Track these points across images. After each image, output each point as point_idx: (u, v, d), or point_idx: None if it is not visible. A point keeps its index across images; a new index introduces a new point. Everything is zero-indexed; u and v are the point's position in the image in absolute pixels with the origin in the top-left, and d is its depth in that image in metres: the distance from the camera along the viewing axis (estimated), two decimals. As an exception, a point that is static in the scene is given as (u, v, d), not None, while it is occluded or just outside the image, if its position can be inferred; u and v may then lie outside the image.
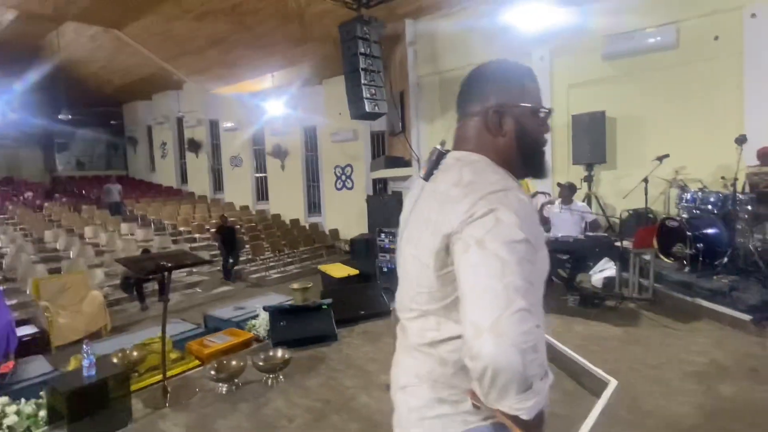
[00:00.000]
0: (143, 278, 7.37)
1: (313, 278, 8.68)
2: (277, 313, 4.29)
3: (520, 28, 6.74)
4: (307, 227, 13.23)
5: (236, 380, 3.35)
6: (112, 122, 19.38)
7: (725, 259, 4.75)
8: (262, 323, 4.55)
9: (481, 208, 0.83)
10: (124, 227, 11.34)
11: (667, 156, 5.65)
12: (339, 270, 8.30)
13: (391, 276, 8.60)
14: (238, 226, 11.84)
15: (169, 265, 2.98)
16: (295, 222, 13.41)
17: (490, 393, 0.78)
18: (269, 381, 3.39)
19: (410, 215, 1.03)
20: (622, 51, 6.43)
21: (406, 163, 8.97)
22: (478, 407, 0.89)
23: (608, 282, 5.24)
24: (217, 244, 10.28)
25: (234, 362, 3.44)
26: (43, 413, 2.82)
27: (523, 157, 1.00)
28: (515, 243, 0.81)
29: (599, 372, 3.17)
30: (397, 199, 10.03)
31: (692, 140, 5.91)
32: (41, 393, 2.93)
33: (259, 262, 10.94)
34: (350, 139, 12.03)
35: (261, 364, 3.41)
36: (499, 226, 0.81)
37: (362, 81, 6.91)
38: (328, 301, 4.54)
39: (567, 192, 5.50)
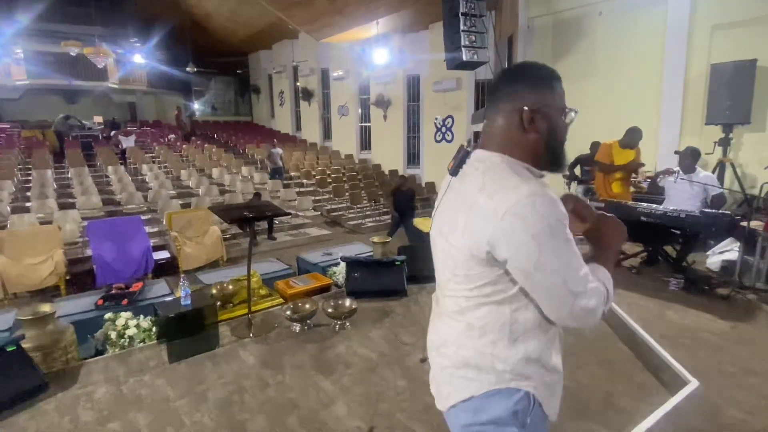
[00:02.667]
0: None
1: (403, 230, 8.90)
2: (353, 265, 4.53)
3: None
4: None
5: (308, 321, 3.68)
6: (238, 71, 21.15)
7: None
8: (341, 272, 4.86)
9: (506, 229, 0.94)
10: (245, 170, 12.64)
11: None
12: (427, 224, 8.30)
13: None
14: (341, 174, 12.43)
15: (250, 215, 3.30)
16: (394, 173, 13.63)
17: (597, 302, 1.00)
18: (336, 326, 3.66)
19: (439, 207, 1.16)
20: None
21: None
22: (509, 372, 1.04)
23: (727, 266, 4.51)
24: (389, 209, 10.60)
25: (308, 305, 3.76)
26: (155, 329, 3.44)
27: (550, 153, 1.07)
28: (547, 250, 0.94)
29: (680, 369, 2.83)
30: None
31: None
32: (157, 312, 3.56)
33: (357, 209, 11.47)
34: (453, 89, 11.57)
35: (330, 310, 3.69)
36: (526, 241, 0.93)
37: (461, 27, 6.48)
38: (402, 257, 4.64)
39: (688, 159, 4.71)
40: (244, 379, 2.93)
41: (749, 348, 3.16)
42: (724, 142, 5.62)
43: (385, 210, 11.65)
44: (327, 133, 17.14)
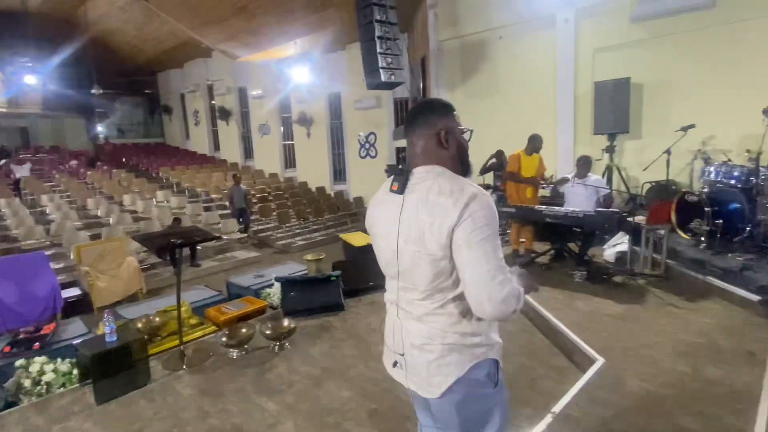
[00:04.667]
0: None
1: (335, 245, 8.96)
2: (287, 284, 4.54)
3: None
4: (333, 195, 13.48)
5: (246, 346, 3.63)
6: (147, 91, 19.98)
7: (743, 237, 4.58)
8: (275, 292, 4.83)
9: (466, 212, 1.17)
10: (160, 195, 11.95)
11: (692, 126, 5.38)
12: (359, 238, 8.47)
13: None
14: (267, 193, 12.23)
15: (178, 242, 3.22)
16: (321, 190, 13.69)
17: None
18: (275, 348, 3.66)
19: (400, 223, 1.29)
20: (652, 12, 6.03)
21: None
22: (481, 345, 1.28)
23: (620, 257, 5.18)
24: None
25: (244, 330, 3.71)
26: (76, 372, 3.20)
27: (462, 163, 1.36)
28: (490, 236, 1.18)
29: (589, 350, 3.23)
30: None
31: (722, 109, 5.59)
32: (76, 353, 3.31)
33: (286, 229, 11.34)
34: (373, 107, 11.97)
35: (268, 332, 3.68)
36: (478, 228, 1.17)
37: (378, 50, 6.81)
38: (337, 272, 4.74)
39: (581, 166, 5.38)
40: (182, 412, 2.84)
41: (642, 325, 3.68)
42: (610, 149, 6.48)
43: (315, 227, 11.64)
44: (248, 153, 16.76)
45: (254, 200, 12.36)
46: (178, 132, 19.84)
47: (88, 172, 13.75)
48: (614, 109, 6.30)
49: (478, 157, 7.28)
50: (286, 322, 3.81)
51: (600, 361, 3.06)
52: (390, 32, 6.95)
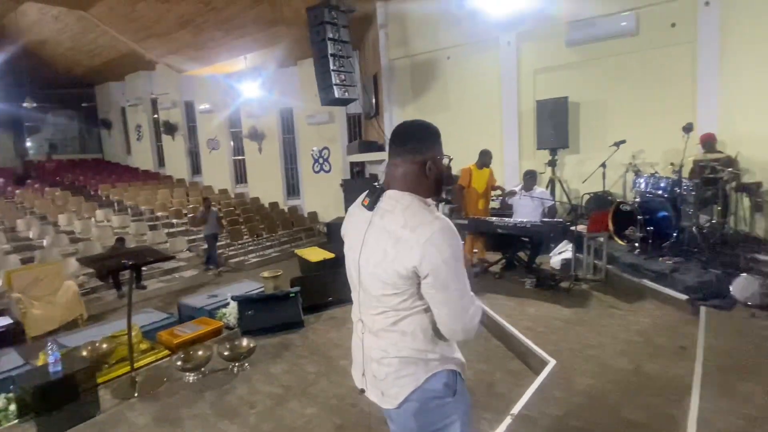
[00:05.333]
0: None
1: (291, 262, 8.84)
2: (245, 303, 4.45)
3: (487, 12, 6.80)
4: (286, 210, 13.31)
5: (203, 369, 3.52)
6: (83, 104, 18.89)
7: (671, 242, 5.03)
8: (231, 312, 4.71)
9: (427, 254, 1.21)
10: (100, 214, 11.27)
11: (623, 142, 5.87)
12: (315, 254, 8.42)
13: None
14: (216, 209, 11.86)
15: (129, 263, 3.09)
16: (274, 205, 13.47)
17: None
18: (234, 369, 3.57)
19: (363, 242, 1.34)
20: (584, 37, 6.56)
21: (380, 148, 9.05)
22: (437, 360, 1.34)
23: (565, 264, 5.50)
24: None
25: (200, 352, 3.60)
26: (13, 407, 2.96)
27: (437, 189, 1.40)
28: (453, 272, 1.24)
29: (541, 352, 3.42)
30: (373, 182, 10.16)
31: (648, 126, 6.14)
32: (12, 387, 3.07)
33: (238, 246, 11.04)
34: (326, 122, 12.03)
35: (226, 353, 3.58)
36: (436, 267, 1.22)
37: (331, 67, 6.91)
38: (296, 289, 4.70)
39: (527, 179, 5.71)
40: (137, 442, 2.71)
41: (587, 327, 3.94)
42: (552, 163, 6.92)
43: (269, 244, 11.41)
44: (196, 168, 16.20)
45: (188, 215, 11.95)
46: (118, 147, 18.83)
47: (17, 191, 12.74)
48: (554, 125, 6.76)
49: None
50: (245, 342, 3.73)
51: (552, 362, 3.24)
52: (343, 50, 7.08)
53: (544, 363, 3.30)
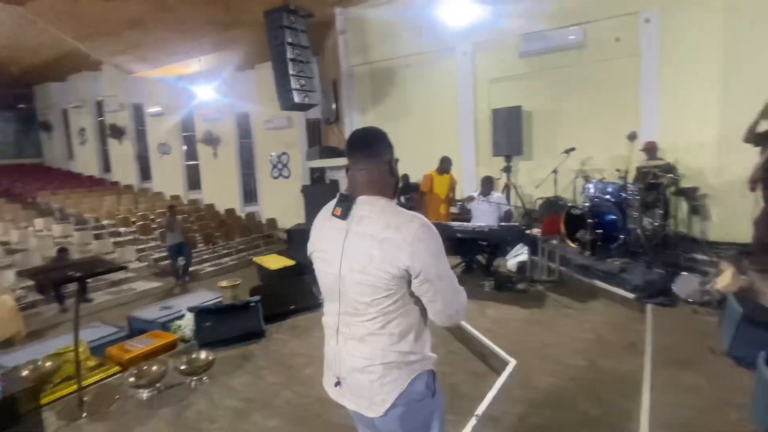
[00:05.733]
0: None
1: (249, 270, 8.61)
2: (202, 314, 4.27)
3: (445, 22, 6.96)
4: (243, 217, 12.97)
5: (158, 385, 3.35)
6: (20, 105, 17.63)
7: (618, 244, 5.32)
8: (187, 324, 4.51)
9: (416, 251, 1.25)
10: (39, 223, 10.54)
11: (573, 149, 6.16)
12: (275, 261, 8.26)
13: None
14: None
15: (78, 275, 2.90)
16: (230, 212, 13.09)
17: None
18: (192, 383, 3.42)
19: (343, 252, 1.33)
20: (536, 49, 6.86)
21: (340, 153, 9.02)
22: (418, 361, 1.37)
23: (522, 266, 5.69)
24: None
25: (155, 367, 3.42)
26: (-59, 436, 2.69)
27: (397, 187, 1.46)
28: (441, 263, 1.30)
29: (501, 353, 3.51)
30: (335, 189, 10.10)
31: (596, 134, 6.49)
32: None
33: (193, 255, 10.63)
34: (285, 127, 11.85)
35: (183, 367, 3.43)
36: (426, 262, 1.26)
37: (290, 72, 6.83)
38: (256, 298, 4.58)
39: (485, 185, 5.87)
40: (86, 466, 2.54)
41: (544, 327, 4.09)
42: (507, 169, 7.17)
43: (225, 252, 11.06)
44: (145, 174, 15.48)
45: (153, 225, 11.44)
46: (59, 151, 17.70)
47: (-58, 199, 11.67)
48: (509, 133, 7.01)
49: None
50: (203, 355, 3.59)
51: (512, 362, 3.34)
52: (302, 55, 7.02)
53: (505, 363, 3.39)
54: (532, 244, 5.39)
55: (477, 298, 4.91)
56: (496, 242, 5.41)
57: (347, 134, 8.74)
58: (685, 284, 4.23)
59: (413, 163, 7.83)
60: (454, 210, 6.59)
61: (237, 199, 13.43)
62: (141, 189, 15.01)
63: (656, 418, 2.41)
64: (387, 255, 1.26)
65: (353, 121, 8.76)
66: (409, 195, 7.84)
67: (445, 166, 5.79)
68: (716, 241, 5.52)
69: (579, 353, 3.49)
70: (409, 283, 1.30)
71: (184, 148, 14.36)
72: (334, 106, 8.98)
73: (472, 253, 5.80)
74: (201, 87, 11.88)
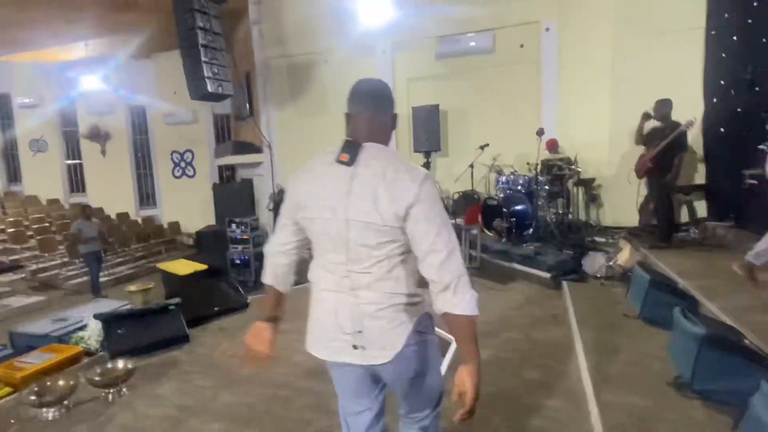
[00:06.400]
0: None
1: (151, 278, 7.80)
2: (112, 321, 3.78)
3: (365, 20, 7.02)
4: (140, 222, 11.73)
5: (66, 402, 2.87)
6: None
7: (531, 230, 5.80)
8: (92, 334, 3.95)
9: (422, 192, 1.26)
10: None
11: (487, 145, 6.58)
12: (183, 266, 7.61)
13: (245, 268, 8.26)
14: (48, 223, 9.87)
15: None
16: (123, 216, 11.76)
17: (461, 305, 1.25)
18: (110, 396, 2.99)
19: (350, 195, 1.30)
20: (451, 52, 7.25)
21: (257, 149, 8.62)
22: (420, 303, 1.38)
23: (447, 256, 5.92)
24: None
25: (61, 382, 2.93)
26: None
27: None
28: (442, 210, 1.32)
29: (444, 334, 3.59)
30: (248, 187, 9.60)
31: (506, 132, 7.02)
32: None
33: (80, 264, 9.33)
34: (189, 122, 11.00)
35: (97, 379, 2.98)
36: (430, 205, 1.27)
37: (203, 58, 6.35)
38: (176, 300, 4.17)
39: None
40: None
41: (476, 308, 4.28)
42: (427, 165, 7.43)
43: (120, 260, 9.88)
44: (14, 175, 13.28)
45: (28, 233, 9.86)
46: None
47: None
48: (428, 130, 7.29)
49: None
50: (120, 364, 3.16)
51: (454, 341, 3.45)
52: (215, 42, 6.56)
53: (448, 342, 3.48)
54: (457, 234, 5.63)
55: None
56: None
57: (265, 129, 8.39)
58: (592, 262, 4.74)
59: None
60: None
61: (131, 201, 12.11)
62: (9, 192, 12.82)
63: (594, 374, 2.65)
64: (393, 195, 1.26)
65: (270, 116, 8.43)
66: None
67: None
68: (609, 225, 6.28)
69: (513, 327, 3.72)
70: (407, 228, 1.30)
71: (64, 145, 12.58)
72: (246, 99, 8.54)
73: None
74: (86, 76, 10.52)
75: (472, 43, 7.18)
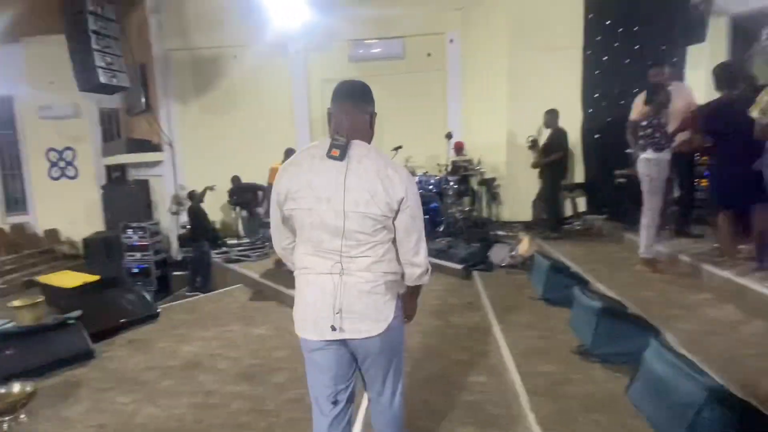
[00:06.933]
0: None
1: (28, 294, 6.79)
2: (-3, 341, 3.28)
3: (277, 18, 6.89)
4: (8, 230, 10.09)
5: (-56, 439, 2.45)
6: None
7: (442, 227, 6.23)
8: (-32, 359, 3.38)
9: (409, 188, 1.48)
10: None
11: (400, 147, 6.86)
12: (70, 278, 6.81)
13: (146, 278, 7.56)
14: None
15: None
16: (-15, 224, 10.02)
17: (424, 277, 1.61)
18: (4, 425, 2.61)
19: (346, 187, 1.43)
20: (363, 56, 7.47)
21: (155, 147, 7.96)
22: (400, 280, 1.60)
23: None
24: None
25: (-64, 417, 2.49)
26: None
27: (371, 140, 1.63)
28: (420, 208, 1.54)
29: (373, 327, 3.74)
30: (144, 189, 8.80)
31: (417, 135, 7.40)
32: None
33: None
34: (69, 116, 9.70)
35: (-12, 406, 2.59)
36: (415, 201, 1.50)
37: (94, 46, 5.71)
38: (76, 314, 3.76)
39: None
40: None
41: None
42: (343, 166, 7.54)
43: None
44: None
45: None
46: None
47: None
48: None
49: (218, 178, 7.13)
50: (16, 388, 2.76)
51: (384, 333, 3.60)
52: (108, 29, 5.93)
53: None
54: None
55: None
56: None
57: (165, 127, 7.80)
58: (497, 253, 5.25)
59: (246, 161, 7.52)
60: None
61: (-6, 207, 10.37)
62: None
63: (512, 348, 2.98)
64: (388, 190, 1.45)
65: (172, 112, 7.86)
66: (239, 198, 7.49)
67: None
68: (508, 220, 6.97)
69: (434, 315, 3.98)
70: (395, 218, 1.49)
71: None
72: (143, 93, 7.85)
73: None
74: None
75: (381, 49, 7.46)
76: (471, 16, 7.22)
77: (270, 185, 5.67)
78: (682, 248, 4.27)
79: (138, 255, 7.64)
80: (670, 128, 4.01)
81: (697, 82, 5.67)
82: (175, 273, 7.92)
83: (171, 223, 8.31)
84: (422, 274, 1.59)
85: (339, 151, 1.43)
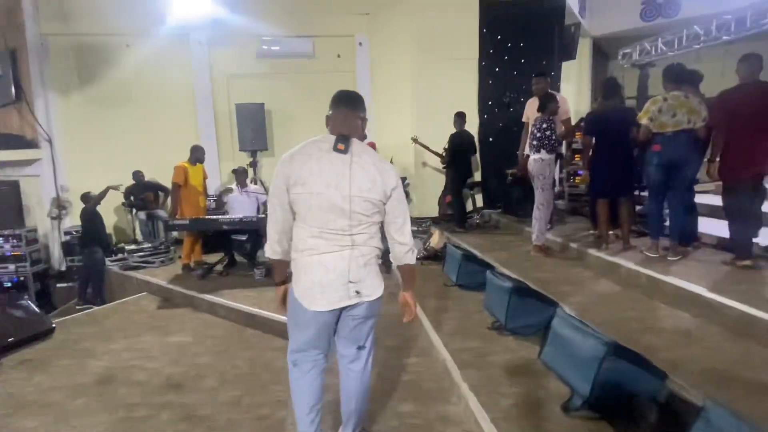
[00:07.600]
0: None
1: None
2: None
3: (177, 7, 6.47)
4: None
5: None
6: None
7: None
8: None
9: (397, 180, 1.83)
10: None
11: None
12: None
13: (22, 290, 6.58)
14: None
15: None
16: None
17: (409, 254, 1.90)
18: None
19: (351, 176, 1.72)
20: (272, 53, 7.37)
21: (30, 144, 6.96)
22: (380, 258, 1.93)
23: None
24: None
25: None
26: None
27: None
28: (404, 196, 1.90)
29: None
30: (13, 191, 7.62)
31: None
32: None
33: None
34: None
35: None
36: (401, 190, 1.86)
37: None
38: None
39: (241, 176, 5.92)
40: None
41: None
42: (254, 164, 7.34)
43: None
44: None
45: None
46: None
47: None
48: (254, 129, 7.19)
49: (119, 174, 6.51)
50: None
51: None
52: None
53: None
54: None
55: (252, 286, 5.00)
56: (260, 232, 5.54)
57: (43, 119, 6.85)
58: (412, 247, 5.59)
59: (143, 159, 6.96)
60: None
61: None
62: None
63: (437, 331, 3.28)
64: (384, 180, 1.78)
65: (50, 104, 6.93)
66: (143, 195, 6.92)
67: (198, 155, 5.50)
68: (418, 216, 7.41)
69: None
70: (386, 202, 1.81)
71: None
72: (12, 82, 6.81)
73: (233, 247, 5.74)
74: None
75: (293, 47, 7.42)
76: (378, 21, 7.51)
77: (175, 184, 5.36)
78: (566, 234, 5.03)
79: (11, 267, 6.64)
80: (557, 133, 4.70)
81: (569, 94, 6.63)
82: (59, 285, 7.04)
83: (51, 230, 7.34)
84: (408, 251, 1.88)
85: (344, 145, 1.73)
